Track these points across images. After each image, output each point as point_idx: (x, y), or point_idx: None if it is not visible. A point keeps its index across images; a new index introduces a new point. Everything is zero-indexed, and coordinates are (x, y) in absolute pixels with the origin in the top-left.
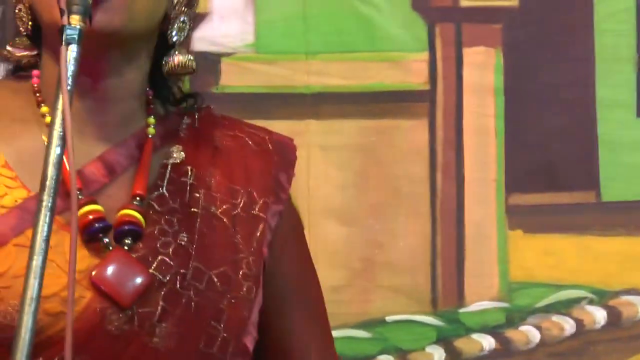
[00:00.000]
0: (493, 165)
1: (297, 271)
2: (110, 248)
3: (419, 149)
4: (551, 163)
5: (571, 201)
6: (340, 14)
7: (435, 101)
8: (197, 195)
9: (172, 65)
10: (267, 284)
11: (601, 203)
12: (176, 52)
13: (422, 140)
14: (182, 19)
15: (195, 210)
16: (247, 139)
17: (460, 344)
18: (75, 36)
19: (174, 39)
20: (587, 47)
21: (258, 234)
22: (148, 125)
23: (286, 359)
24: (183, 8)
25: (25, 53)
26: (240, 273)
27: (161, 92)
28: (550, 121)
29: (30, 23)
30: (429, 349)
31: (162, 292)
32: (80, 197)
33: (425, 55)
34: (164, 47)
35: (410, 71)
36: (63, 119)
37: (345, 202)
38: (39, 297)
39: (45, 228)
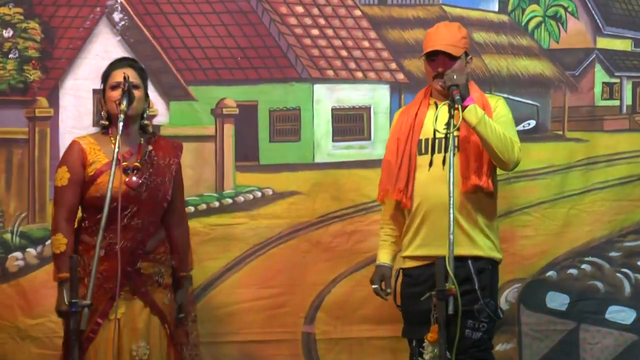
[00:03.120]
0: None
1: (178, 181)
2: (129, 173)
3: None
4: None
5: None
6: None
7: None
8: (155, 159)
9: (146, 122)
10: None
11: None
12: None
13: None
14: (147, 111)
15: (154, 163)
16: (168, 141)
17: None
18: (122, 120)
19: (145, 114)
20: None
21: (172, 167)
22: (141, 140)
23: (174, 210)
24: (147, 106)
25: (105, 122)
26: (167, 179)
27: (143, 129)
28: None
29: (106, 114)
30: None
31: (145, 184)
32: (123, 162)
33: None
34: (143, 117)
35: None
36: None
37: None
38: (112, 188)
39: (113, 168)
